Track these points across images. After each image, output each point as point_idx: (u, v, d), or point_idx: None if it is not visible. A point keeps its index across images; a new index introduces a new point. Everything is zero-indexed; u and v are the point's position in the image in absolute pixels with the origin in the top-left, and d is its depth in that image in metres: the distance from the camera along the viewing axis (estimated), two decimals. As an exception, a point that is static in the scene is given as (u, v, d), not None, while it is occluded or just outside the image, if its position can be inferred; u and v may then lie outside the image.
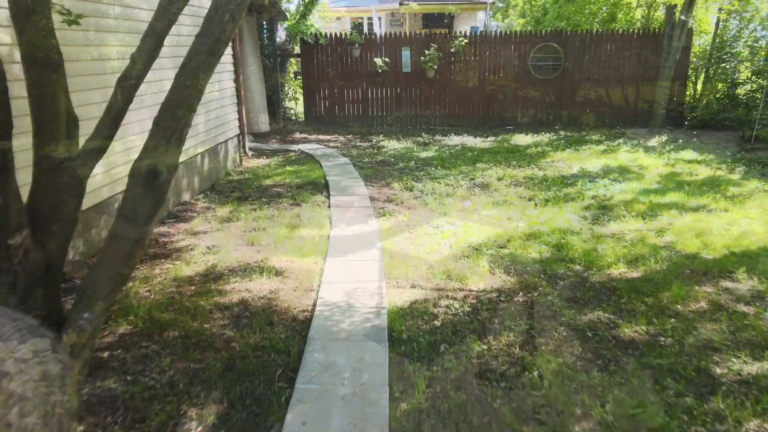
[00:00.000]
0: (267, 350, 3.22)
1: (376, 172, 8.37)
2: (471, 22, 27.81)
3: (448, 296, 4.06)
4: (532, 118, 12.89)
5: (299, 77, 13.98)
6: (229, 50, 8.54)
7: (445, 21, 26.09)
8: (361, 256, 4.81)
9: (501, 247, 5.16)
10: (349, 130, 12.71)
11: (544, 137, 11.47)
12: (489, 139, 11.51)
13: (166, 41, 2.72)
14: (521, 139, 11.34)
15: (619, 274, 4.51)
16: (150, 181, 2.60)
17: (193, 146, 7.09)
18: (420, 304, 3.93)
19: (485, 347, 3.31)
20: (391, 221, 5.96)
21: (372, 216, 6.10)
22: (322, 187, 7.48)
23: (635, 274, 4.49)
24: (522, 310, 3.83)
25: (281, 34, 13.31)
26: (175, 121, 2.63)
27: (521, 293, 4.12)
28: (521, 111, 12.90)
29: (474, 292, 4.13)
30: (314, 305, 3.85)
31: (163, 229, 5.71)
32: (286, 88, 13.86)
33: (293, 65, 14.93)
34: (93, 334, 2.69)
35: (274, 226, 5.71)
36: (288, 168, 8.76)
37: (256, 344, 3.29)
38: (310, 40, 12.46)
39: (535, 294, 4.10)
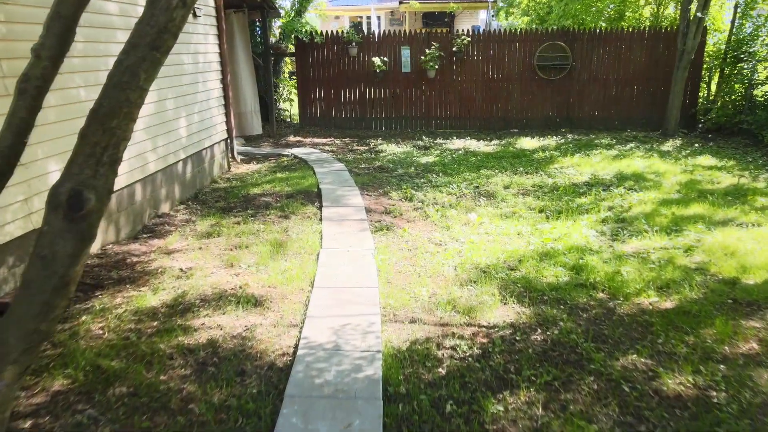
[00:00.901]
0: (233, 412, 2.63)
1: (374, 180, 7.78)
2: (472, 22, 27.28)
3: (454, 334, 3.47)
4: (538, 121, 12.30)
5: (294, 77, 13.39)
6: (215, 48, 7.95)
7: (446, 20, 25.54)
8: (354, 281, 4.22)
9: (512, 270, 4.57)
10: (346, 132, 12.12)
11: (551, 141, 10.88)
12: (493, 142, 10.92)
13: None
14: (527, 142, 10.75)
15: (650, 304, 3.92)
16: (72, 211, 2.01)
17: (173, 152, 6.51)
18: (421, 344, 3.34)
19: (501, 407, 2.72)
20: (388, 237, 5.37)
21: (367, 231, 5.51)
22: (314, 196, 6.89)
23: (669, 305, 3.90)
24: (542, 354, 3.23)
25: (275, 32, 12.72)
26: (108, 134, 2.03)
27: (539, 330, 3.52)
28: (526, 113, 12.32)
29: (484, 329, 3.54)
30: (296, 347, 3.26)
31: (134, 246, 5.12)
32: (280, 89, 13.26)
33: (288, 65, 14.35)
34: (3, 405, 2.10)
35: (258, 244, 5.12)
36: (279, 175, 8.17)
37: (221, 403, 2.70)
38: (305, 39, 11.87)
39: (556, 331, 3.50)
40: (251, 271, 4.48)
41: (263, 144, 10.97)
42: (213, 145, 7.88)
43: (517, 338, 3.42)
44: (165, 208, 6.30)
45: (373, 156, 9.59)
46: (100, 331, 3.38)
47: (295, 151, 10.00)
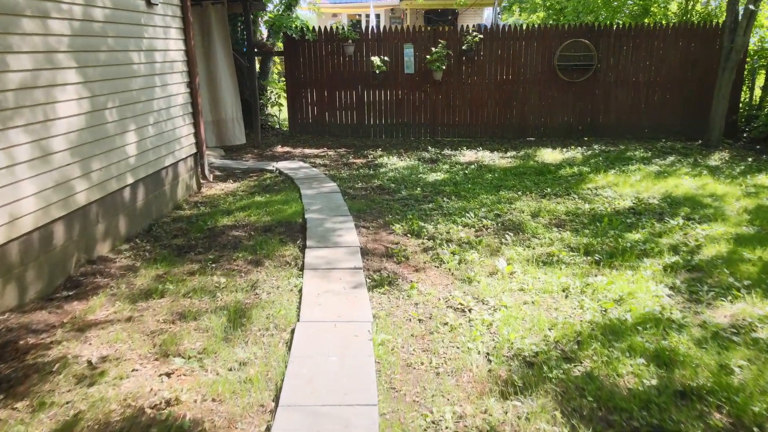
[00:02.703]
0: None
1: (372, 205, 6.36)
2: (476, 20, 25.84)
3: None
4: (558, 128, 10.89)
5: (283, 79, 11.98)
6: (179, 45, 6.53)
7: (449, 17, 24.17)
8: (342, 391, 2.80)
9: (570, 360, 3.17)
10: (341, 141, 10.71)
11: (576, 152, 9.47)
12: (509, 154, 9.51)
13: None
14: (549, 154, 9.35)
15: (801, 438, 2.51)
16: None
17: (116, 176, 5.10)
18: None
19: None
20: (391, 299, 3.96)
21: (363, 287, 4.10)
22: (297, 230, 5.47)
23: (832, 441, 2.49)
24: None
25: (261, 29, 11.30)
26: None
27: None
28: (545, 119, 10.91)
29: (553, 505, 2.13)
30: None
31: (40, 315, 3.69)
32: (268, 92, 11.84)
33: (276, 65, 12.93)
34: None
35: (211, 312, 3.70)
36: (257, 198, 6.74)
37: None
38: (295, 36, 10.45)
39: None
40: (191, 368, 3.06)
41: (246, 156, 9.55)
42: (177, 162, 6.46)
43: None
44: (103, 249, 4.88)
45: (371, 172, 8.17)
46: None
47: (281, 165, 8.57)
